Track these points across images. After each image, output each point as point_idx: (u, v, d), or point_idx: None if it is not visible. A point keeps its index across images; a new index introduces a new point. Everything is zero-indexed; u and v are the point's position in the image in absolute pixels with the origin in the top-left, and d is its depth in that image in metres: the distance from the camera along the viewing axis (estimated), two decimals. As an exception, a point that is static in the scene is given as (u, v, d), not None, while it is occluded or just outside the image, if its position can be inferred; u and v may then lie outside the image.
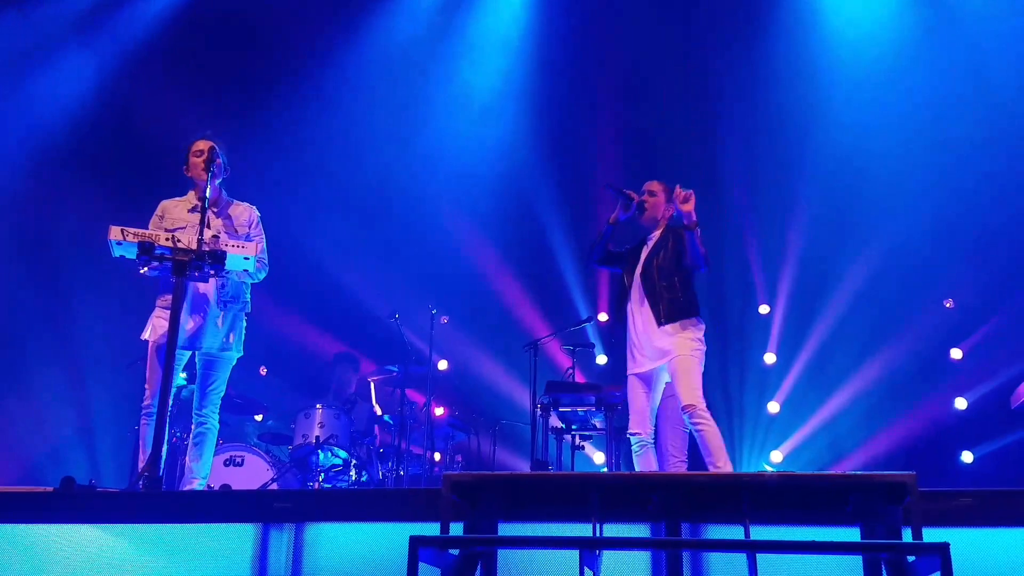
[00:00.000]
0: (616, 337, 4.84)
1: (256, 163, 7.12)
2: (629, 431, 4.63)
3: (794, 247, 7.85)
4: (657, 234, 4.77)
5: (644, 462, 4.56)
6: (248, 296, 4.88)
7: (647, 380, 4.63)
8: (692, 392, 4.39)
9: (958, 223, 7.49)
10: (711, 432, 4.30)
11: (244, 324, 4.85)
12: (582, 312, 8.02)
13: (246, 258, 4.31)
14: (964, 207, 7.47)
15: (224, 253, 4.20)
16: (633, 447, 4.62)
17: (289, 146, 8.13)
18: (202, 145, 4.73)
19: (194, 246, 4.16)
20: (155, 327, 4.63)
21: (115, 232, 4.11)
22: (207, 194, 4.43)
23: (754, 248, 7.76)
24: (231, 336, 4.74)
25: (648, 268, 4.63)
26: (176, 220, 4.70)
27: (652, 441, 4.61)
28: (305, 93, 8.20)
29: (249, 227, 4.84)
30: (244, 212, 4.89)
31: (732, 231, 7.58)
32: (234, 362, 4.83)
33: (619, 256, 4.92)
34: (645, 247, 4.76)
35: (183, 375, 5.84)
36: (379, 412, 7.18)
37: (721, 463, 4.22)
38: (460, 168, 8.35)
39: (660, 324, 4.50)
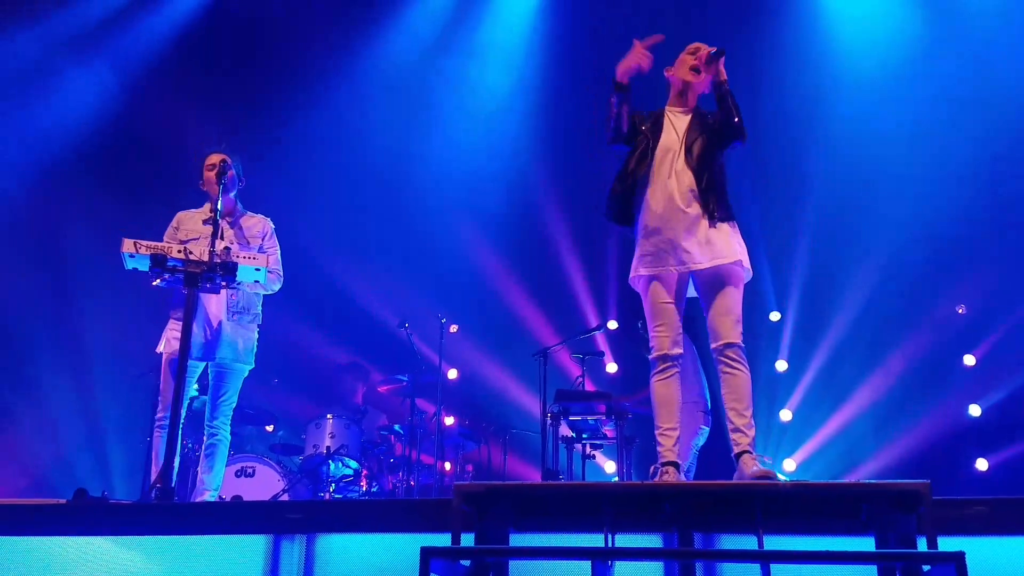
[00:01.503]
0: (622, 227, 3.93)
1: (265, 172, 7.15)
2: (656, 351, 3.69)
3: (803, 254, 7.82)
4: (686, 112, 3.93)
5: (668, 389, 3.65)
6: (260, 308, 4.90)
7: (672, 284, 3.74)
8: (739, 324, 3.63)
9: (970, 228, 7.45)
10: (747, 378, 3.59)
11: (256, 336, 4.87)
12: (591, 320, 8.00)
13: (257, 269, 4.34)
14: (976, 212, 7.43)
15: (236, 264, 4.22)
16: (659, 370, 3.67)
17: (298, 155, 8.16)
18: (214, 159, 4.78)
19: (206, 258, 4.18)
20: (169, 340, 4.67)
21: (128, 245, 4.15)
22: (219, 206, 4.46)
23: (763, 255, 7.73)
24: (243, 348, 4.76)
25: (691, 150, 3.79)
26: (190, 231, 4.74)
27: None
28: (314, 103, 8.23)
29: (263, 239, 4.87)
30: (258, 223, 4.92)
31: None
32: (246, 374, 4.85)
33: (632, 134, 3.98)
34: (668, 124, 3.91)
35: (195, 386, 5.86)
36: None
37: (750, 414, 3.54)
38: (469, 177, 8.36)
39: (712, 223, 3.69)
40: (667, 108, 3.98)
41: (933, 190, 7.47)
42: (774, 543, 2.72)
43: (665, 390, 3.64)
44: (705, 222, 3.70)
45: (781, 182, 7.78)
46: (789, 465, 7.58)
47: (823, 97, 7.63)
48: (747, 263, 3.73)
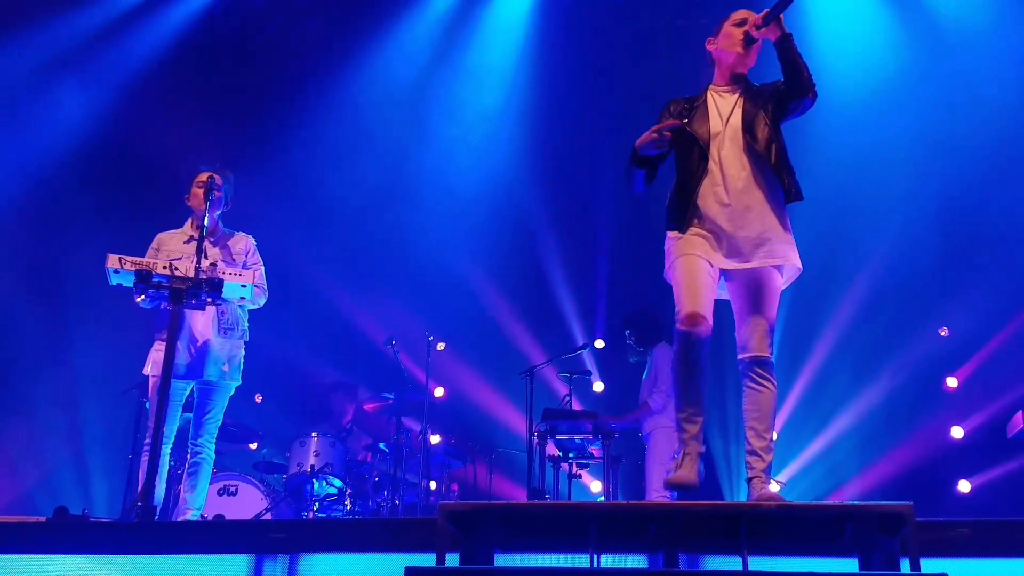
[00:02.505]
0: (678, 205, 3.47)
1: (254, 189, 7.14)
2: (687, 319, 3.23)
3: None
4: (733, 91, 3.57)
5: (699, 360, 3.26)
6: (247, 324, 4.89)
7: (713, 274, 3.38)
8: (772, 335, 3.36)
9: (953, 251, 7.53)
10: (774, 396, 3.31)
11: (243, 353, 4.86)
12: (578, 339, 8.01)
13: (243, 285, 4.33)
14: (958, 235, 7.51)
15: (221, 281, 4.21)
16: (691, 342, 3.25)
17: (286, 172, 8.16)
18: (204, 176, 4.79)
19: (192, 274, 4.17)
20: (156, 361, 4.64)
21: (113, 260, 4.13)
22: (205, 223, 4.46)
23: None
24: (229, 365, 4.75)
25: (752, 129, 3.43)
26: (172, 252, 4.73)
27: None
28: (305, 120, 8.25)
29: (246, 255, 4.87)
30: (240, 240, 4.92)
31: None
32: (232, 391, 4.83)
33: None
34: (712, 107, 3.54)
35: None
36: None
37: (770, 436, 3.27)
38: (458, 195, 8.38)
39: (788, 200, 3.43)
40: (711, 88, 3.60)
41: (915, 214, 7.55)
42: (759, 564, 2.72)
43: (693, 367, 3.23)
44: (766, 212, 3.35)
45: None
46: (774, 485, 7.58)
47: (804, 122, 7.69)
48: (798, 261, 3.40)
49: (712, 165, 3.41)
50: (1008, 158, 7.27)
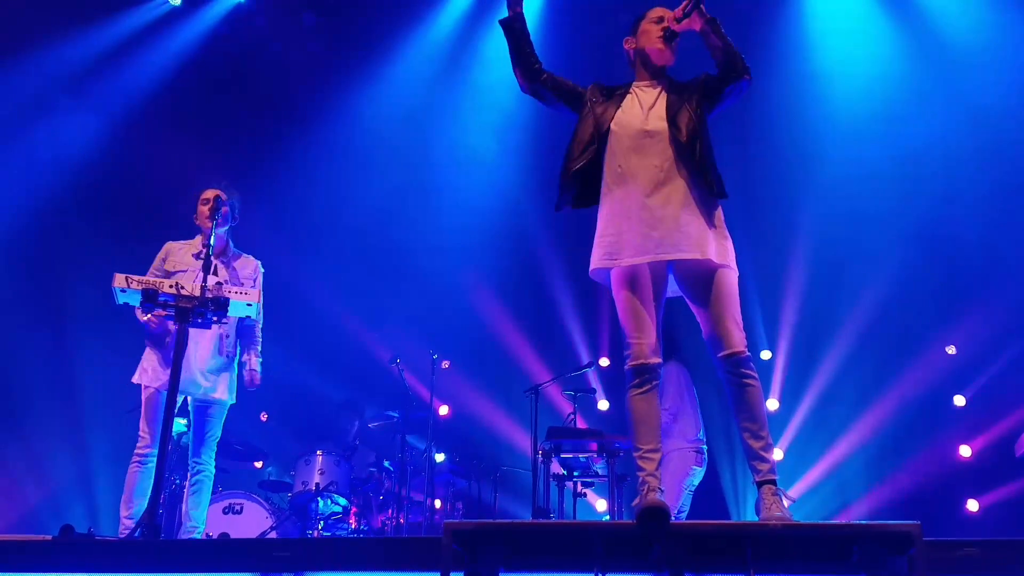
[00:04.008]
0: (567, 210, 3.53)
1: (260, 211, 7.18)
2: (633, 360, 3.17)
3: (794, 292, 7.85)
4: (654, 85, 3.50)
5: (650, 404, 3.16)
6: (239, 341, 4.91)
7: (645, 277, 3.24)
8: (741, 330, 3.20)
9: (959, 268, 7.51)
10: (760, 391, 3.16)
11: (236, 370, 4.87)
12: (583, 357, 8.00)
13: (248, 304, 4.34)
14: (965, 252, 7.49)
15: (227, 300, 4.22)
16: (637, 383, 3.17)
17: (293, 194, 8.20)
18: (209, 193, 4.83)
19: (197, 292, 4.18)
20: (146, 370, 4.66)
21: (119, 280, 4.15)
22: (211, 241, 4.48)
23: (754, 293, 7.77)
24: (228, 381, 4.76)
25: (675, 122, 3.32)
26: (179, 263, 4.76)
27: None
28: (310, 142, 8.29)
29: (253, 281, 4.89)
30: (249, 264, 4.95)
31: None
32: (226, 408, 4.83)
33: (570, 92, 3.63)
34: (633, 100, 3.47)
35: (183, 420, 5.83)
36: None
37: (767, 434, 3.13)
38: (462, 213, 8.40)
39: (712, 194, 3.28)
40: (633, 85, 3.53)
41: (923, 231, 7.54)
42: (765, 584, 2.71)
43: (646, 406, 3.15)
44: (691, 205, 3.23)
45: (771, 222, 7.83)
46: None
47: (813, 139, 7.71)
48: (735, 265, 3.31)
49: (632, 155, 3.32)
50: (1014, 172, 7.27)
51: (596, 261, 3.35)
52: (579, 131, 3.49)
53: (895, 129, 7.64)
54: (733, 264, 3.29)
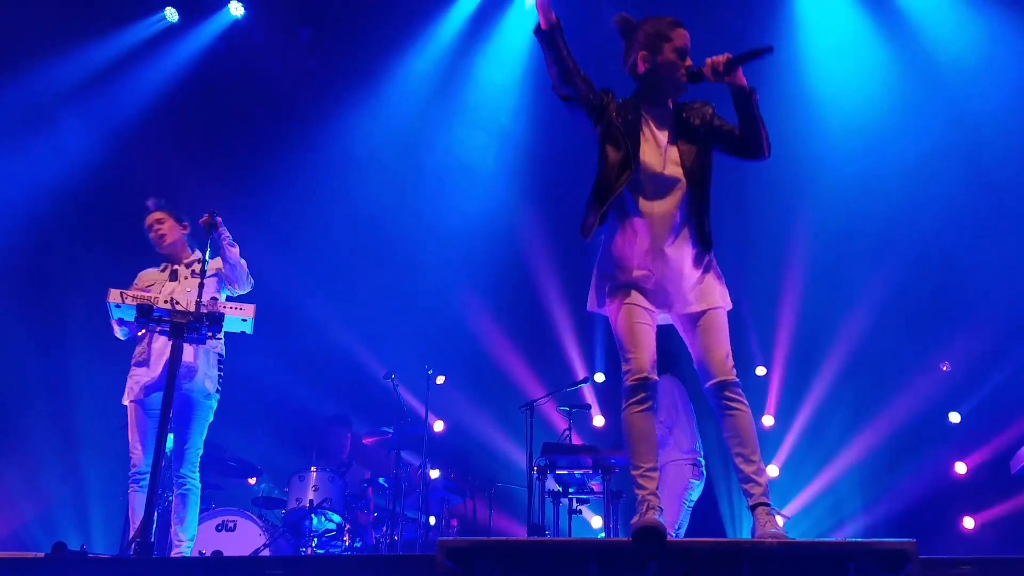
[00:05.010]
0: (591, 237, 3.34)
1: (254, 224, 7.18)
2: (634, 375, 3.15)
3: (789, 308, 7.87)
4: (664, 111, 3.34)
5: (648, 421, 3.15)
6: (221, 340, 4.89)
7: (653, 317, 3.29)
8: (730, 358, 3.22)
9: (954, 285, 7.53)
10: (750, 417, 3.17)
11: (219, 370, 4.84)
12: (578, 373, 8.00)
13: (244, 319, 4.34)
14: (960, 268, 7.52)
15: (222, 315, 4.22)
16: (637, 400, 3.15)
17: (286, 208, 8.20)
18: (148, 221, 4.95)
19: (192, 308, 4.18)
20: (132, 388, 4.65)
21: (114, 295, 4.16)
22: (207, 255, 4.50)
23: (748, 309, 7.78)
24: (209, 383, 4.72)
25: (691, 171, 3.25)
26: (146, 280, 4.86)
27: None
28: (304, 158, 8.30)
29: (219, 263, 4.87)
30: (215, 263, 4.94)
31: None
32: (211, 415, 4.78)
33: (593, 99, 3.35)
34: (646, 129, 3.31)
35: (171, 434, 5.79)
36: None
37: (758, 458, 3.13)
38: (458, 228, 8.42)
39: (707, 252, 3.27)
40: (642, 108, 3.34)
41: (918, 247, 7.57)
42: (761, 602, 2.70)
43: (645, 423, 3.13)
44: (694, 257, 3.25)
45: (766, 236, 7.86)
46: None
47: (807, 153, 7.74)
48: (728, 303, 3.35)
49: (649, 196, 3.24)
50: (1007, 188, 7.30)
51: (599, 302, 3.35)
52: (610, 153, 3.30)
53: (889, 145, 7.67)
54: (727, 304, 3.33)
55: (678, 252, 3.24)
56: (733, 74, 3.19)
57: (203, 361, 4.72)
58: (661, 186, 3.25)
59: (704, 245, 3.27)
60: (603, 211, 3.27)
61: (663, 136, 3.30)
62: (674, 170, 3.26)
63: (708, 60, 3.18)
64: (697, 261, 3.28)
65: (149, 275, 4.93)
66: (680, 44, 3.28)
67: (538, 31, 3.23)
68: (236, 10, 8.06)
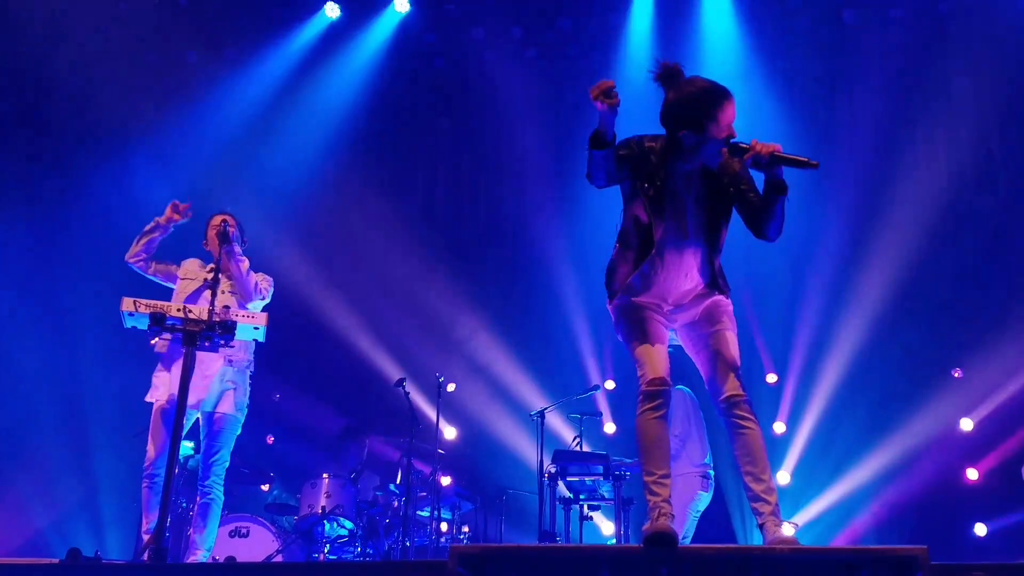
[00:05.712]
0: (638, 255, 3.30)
1: (265, 235, 7.22)
2: (649, 380, 3.18)
3: (800, 315, 7.84)
4: (693, 165, 3.34)
5: (663, 427, 3.17)
6: (252, 355, 4.93)
7: (666, 332, 3.36)
8: (740, 377, 3.24)
9: (967, 292, 7.50)
10: (760, 435, 3.17)
11: (248, 386, 4.89)
12: (589, 380, 8.00)
13: (256, 328, 4.36)
14: (972, 274, 7.49)
15: (235, 323, 4.24)
16: (654, 405, 3.17)
17: (295, 216, 8.24)
18: (216, 219, 4.90)
19: (205, 316, 4.20)
20: (157, 387, 4.70)
21: (127, 303, 4.18)
22: (218, 263, 4.54)
23: (758, 316, 7.76)
24: (237, 397, 4.77)
25: (712, 239, 3.32)
26: (188, 271, 4.93)
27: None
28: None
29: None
30: (258, 277, 4.99)
31: (735, 297, 7.59)
32: (239, 428, 4.83)
33: (634, 159, 3.29)
34: (677, 186, 3.31)
35: (190, 444, 5.83)
36: None
37: (768, 476, 3.14)
38: (470, 232, 8.45)
39: (708, 286, 3.34)
40: (671, 160, 3.29)
41: (929, 254, 7.53)
42: (772, 609, 2.70)
43: (659, 429, 3.14)
44: (706, 285, 3.33)
45: (777, 242, 7.82)
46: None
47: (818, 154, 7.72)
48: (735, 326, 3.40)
49: (672, 232, 3.28)
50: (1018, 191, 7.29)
51: (620, 302, 3.36)
52: (639, 213, 3.32)
53: (895, 149, 7.65)
54: (735, 327, 3.37)
55: (690, 283, 3.33)
56: (776, 169, 3.18)
57: (241, 380, 4.82)
58: (680, 243, 3.30)
59: (714, 283, 3.34)
60: (634, 268, 3.29)
61: (689, 198, 3.32)
62: (697, 235, 3.32)
63: (755, 143, 3.14)
64: (709, 287, 3.35)
65: (191, 266, 4.97)
66: (728, 120, 3.24)
67: (599, 144, 3.10)
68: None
